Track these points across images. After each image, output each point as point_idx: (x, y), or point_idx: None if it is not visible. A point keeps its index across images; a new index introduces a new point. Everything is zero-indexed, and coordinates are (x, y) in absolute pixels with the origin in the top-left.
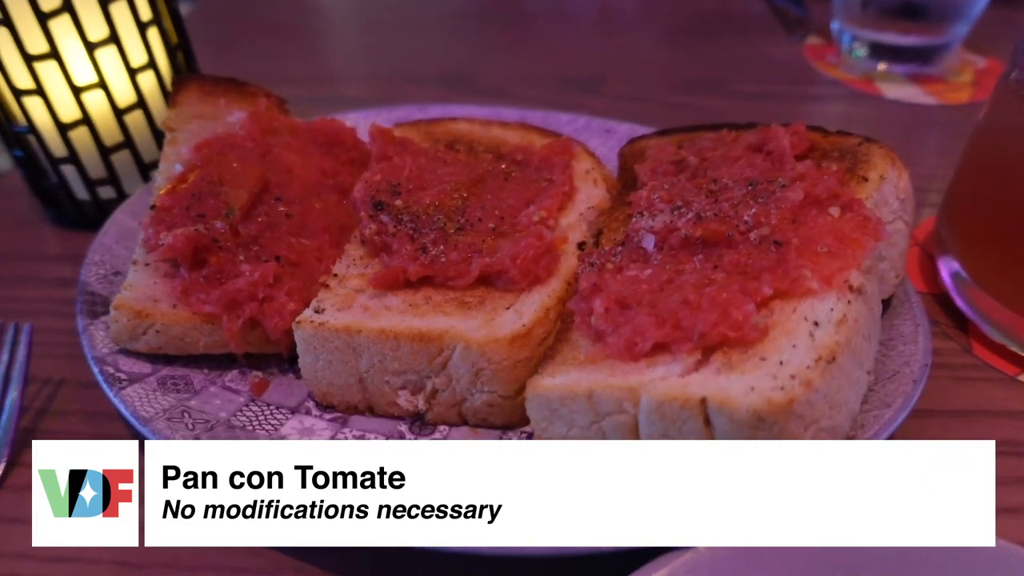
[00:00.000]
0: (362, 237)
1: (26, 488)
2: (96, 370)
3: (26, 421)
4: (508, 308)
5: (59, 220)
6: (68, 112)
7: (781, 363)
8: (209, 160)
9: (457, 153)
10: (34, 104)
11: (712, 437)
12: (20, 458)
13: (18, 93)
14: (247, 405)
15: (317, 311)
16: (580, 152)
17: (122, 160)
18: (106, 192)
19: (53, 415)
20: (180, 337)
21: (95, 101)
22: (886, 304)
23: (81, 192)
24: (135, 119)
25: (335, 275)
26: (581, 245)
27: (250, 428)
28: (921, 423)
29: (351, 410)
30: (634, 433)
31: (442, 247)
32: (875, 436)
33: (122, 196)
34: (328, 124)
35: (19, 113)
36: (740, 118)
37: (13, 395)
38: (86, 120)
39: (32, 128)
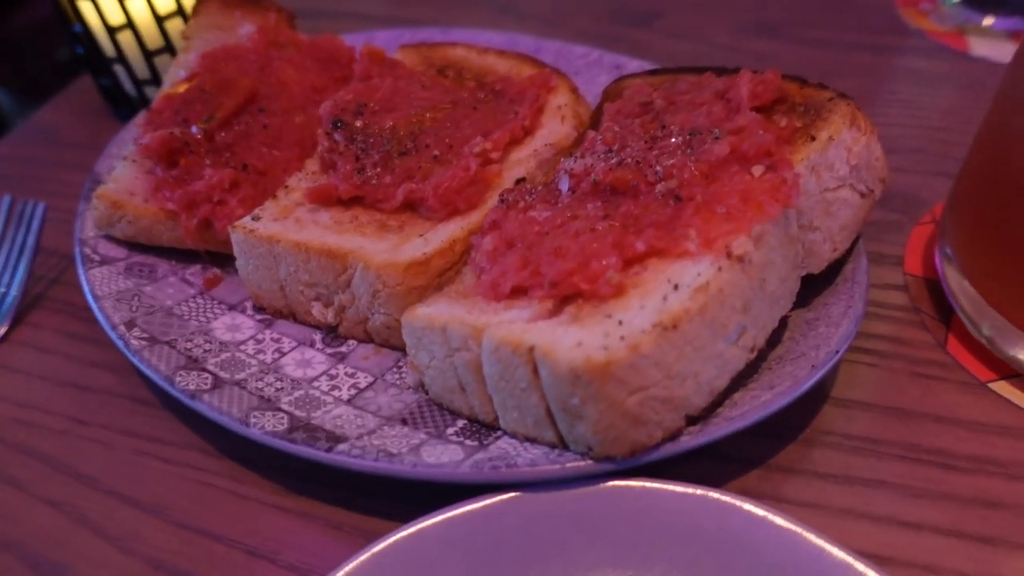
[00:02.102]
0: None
1: (28, 344)
2: (77, 250)
3: (39, 287)
4: (421, 235)
5: (120, 116)
6: (115, 16)
7: (620, 323)
8: (209, 69)
9: (444, 79)
10: (87, 7)
11: (540, 387)
12: (26, 318)
13: None
14: (194, 297)
15: (254, 218)
16: (560, 86)
17: (164, 63)
18: (151, 92)
19: (61, 284)
20: (148, 229)
21: (138, 8)
22: (828, 280)
23: (131, 90)
24: (175, 25)
25: (286, 186)
26: (519, 181)
27: (186, 318)
28: (846, 413)
29: (277, 314)
30: (479, 372)
31: (379, 170)
32: (743, 416)
33: None
34: (328, 41)
35: (73, 15)
36: (790, 67)
37: (23, 266)
38: (130, 24)
39: (86, 29)
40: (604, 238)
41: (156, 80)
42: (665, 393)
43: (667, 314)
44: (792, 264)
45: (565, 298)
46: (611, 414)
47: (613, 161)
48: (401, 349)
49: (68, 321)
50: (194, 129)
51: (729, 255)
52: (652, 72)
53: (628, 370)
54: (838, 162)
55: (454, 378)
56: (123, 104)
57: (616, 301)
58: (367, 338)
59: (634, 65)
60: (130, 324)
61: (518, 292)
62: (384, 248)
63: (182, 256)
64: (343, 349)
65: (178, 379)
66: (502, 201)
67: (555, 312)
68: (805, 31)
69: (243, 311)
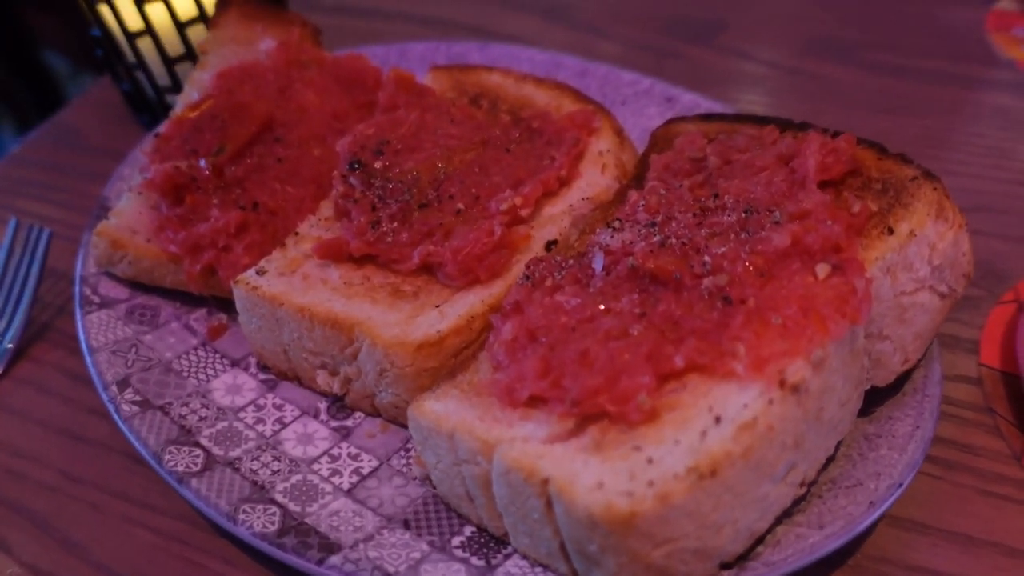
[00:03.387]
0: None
1: (28, 381)
2: (76, 289)
3: (45, 315)
4: (437, 307)
5: (142, 121)
6: (133, 21)
7: (650, 461)
8: (224, 90)
9: (477, 109)
10: (105, 11)
11: (553, 521)
12: (29, 351)
13: (90, 0)
14: (196, 349)
15: (259, 272)
16: (604, 128)
17: (185, 70)
18: (172, 99)
19: (67, 314)
20: (149, 271)
21: (158, 13)
22: (894, 386)
23: (152, 96)
24: (196, 32)
25: (297, 233)
26: (550, 245)
27: (185, 375)
28: (902, 536)
29: (282, 376)
30: (488, 488)
31: (396, 224)
32: (786, 561)
33: None
34: (353, 61)
35: (91, 18)
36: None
37: (24, 301)
38: (149, 30)
39: (105, 33)
40: (638, 348)
41: (177, 87)
42: (697, 544)
43: (705, 456)
44: (855, 382)
45: (587, 417)
46: (633, 567)
47: (655, 240)
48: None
49: (69, 358)
50: (202, 163)
51: (783, 384)
52: (707, 118)
53: (655, 522)
54: (918, 261)
55: (461, 487)
56: (144, 110)
57: (645, 429)
58: (374, 412)
59: (688, 99)
60: (123, 383)
61: (536, 402)
62: (395, 320)
63: (187, 299)
64: (348, 423)
65: (167, 457)
66: (527, 277)
67: (576, 432)
68: (879, 55)
69: (246, 368)
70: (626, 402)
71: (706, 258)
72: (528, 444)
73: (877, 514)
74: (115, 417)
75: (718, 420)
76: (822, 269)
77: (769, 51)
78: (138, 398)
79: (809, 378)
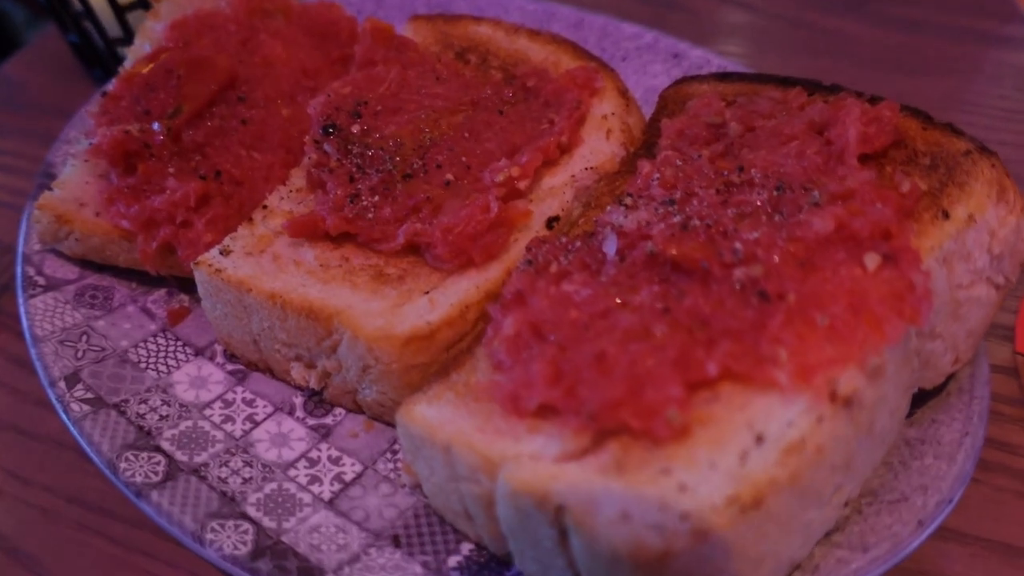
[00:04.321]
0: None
1: None
2: (18, 269)
3: None
4: (426, 293)
5: (94, 76)
6: None
7: (683, 487)
8: (180, 42)
9: (465, 65)
10: None
11: (568, 552)
12: None
13: None
14: (155, 336)
15: (223, 252)
16: (607, 88)
17: (139, 20)
18: (124, 51)
19: (11, 291)
20: (100, 248)
21: None
22: (937, 389)
23: (102, 48)
24: None
25: (265, 206)
26: (552, 222)
27: (142, 366)
28: (940, 546)
29: (252, 366)
30: (490, 508)
31: (377, 198)
32: None
33: None
34: (324, 11)
35: None
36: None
37: None
38: None
39: None
40: (663, 352)
41: (129, 38)
42: None
43: (747, 484)
44: (905, 388)
45: (605, 430)
46: None
47: (675, 220)
48: (395, 426)
49: (14, 342)
50: (156, 126)
51: (833, 397)
52: (723, 77)
53: (691, 561)
54: (977, 250)
55: (459, 503)
56: (95, 63)
57: (673, 446)
58: (356, 408)
59: (696, 55)
60: (73, 378)
61: (546, 412)
62: (378, 309)
63: (144, 278)
64: (328, 420)
65: (123, 465)
66: (529, 262)
67: (593, 449)
68: (892, 8)
69: (212, 358)
70: (652, 417)
71: (737, 244)
72: (538, 463)
73: (926, 534)
74: (64, 418)
75: (760, 440)
76: (872, 260)
77: (773, 2)
78: (89, 395)
79: (863, 390)
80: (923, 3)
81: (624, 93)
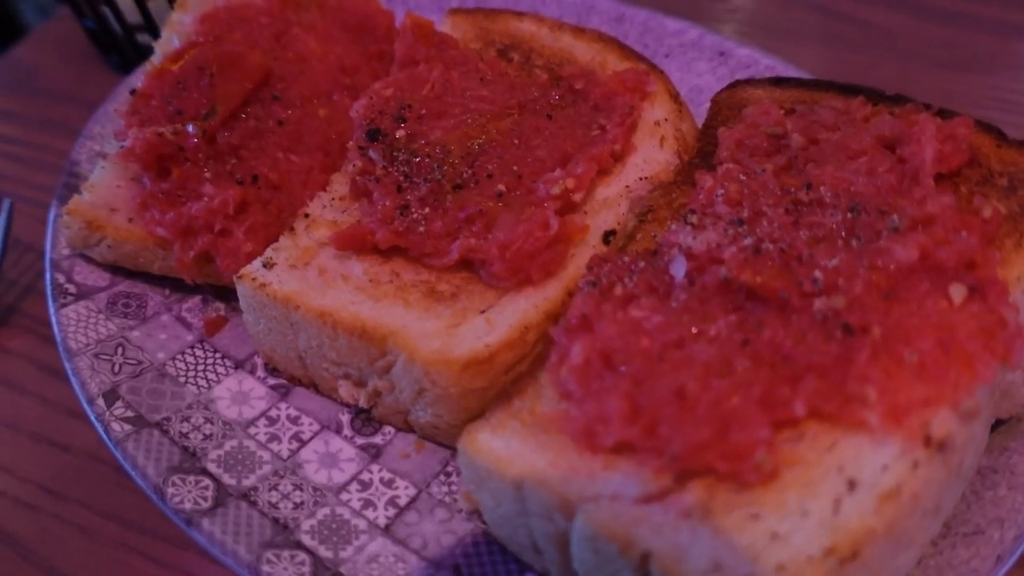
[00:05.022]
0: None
1: None
2: (48, 276)
3: (10, 296)
4: (482, 312)
5: (110, 63)
6: None
7: (775, 536)
8: (211, 37)
9: (508, 64)
10: None
11: None
12: None
13: None
14: (192, 347)
15: (266, 265)
16: (658, 93)
17: (159, 8)
18: (143, 38)
19: (36, 293)
20: (133, 255)
21: None
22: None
23: (121, 35)
24: None
25: (307, 215)
26: (608, 236)
27: (182, 380)
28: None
29: (295, 381)
30: (565, 548)
31: (427, 210)
32: None
33: None
34: (362, 4)
35: None
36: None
37: None
38: None
39: None
40: (747, 389)
41: (150, 25)
42: None
43: (844, 535)
44: (988, 422)
45: (687, 471)
46: None
47: (746, 243)
48: (450, 447)
49: (42, 347)
50: (190, 128)
51: (928, 441)
52: (779, 83)
53: None
54: None
55: (527, 537)
56: (111, 50)
57: (762, 491)
58: (407, 428)
59: (743, 54)
60: (111, 395)
61: (623, 448)
62: (434, 330)
63: (177, 283)
64: (377, 440)
65: (171, 491)
66: (593, 284)
67: (675, 489)
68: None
69: (252, 371)
70: (740, 460)
71: (816, 273)
72: (618, 504)
73: (1004, 569)
74: (105, 439)
75: (852, 485)
76: (958, 292)
77: None
78: (130, 413)
79: (956, 432)
80: None
81: (676, 97)
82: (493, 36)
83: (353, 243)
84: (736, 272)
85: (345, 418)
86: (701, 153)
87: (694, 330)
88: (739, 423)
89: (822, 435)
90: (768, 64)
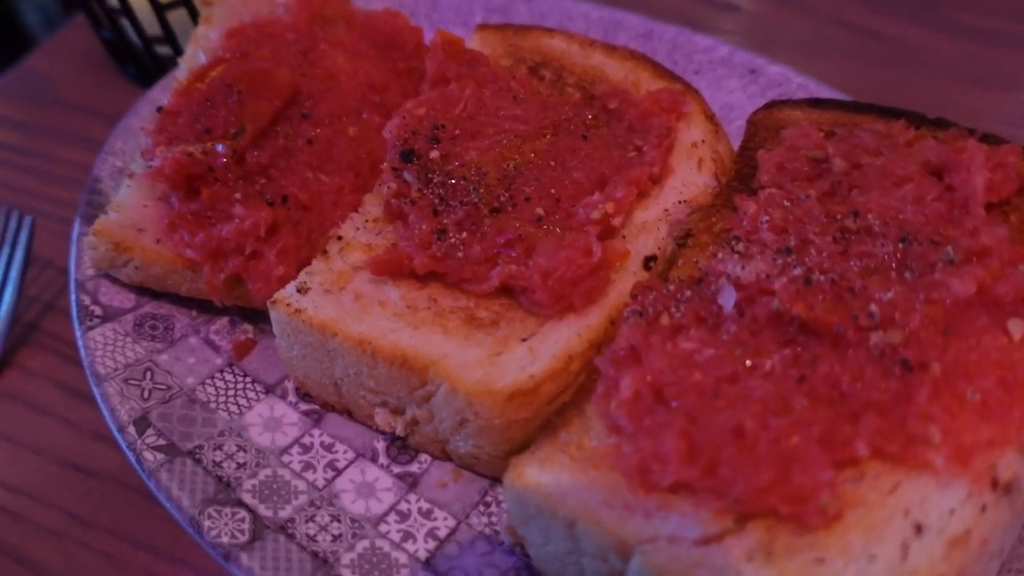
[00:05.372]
0: (382, 194)
1: (17, 397)
2: (73, 297)
3: (31, 313)
4: (523, 340)
5: (127, 73)
6: None
7: None
8: (238, 53)
9: (539, 82)
10: None
11: None
12: (15, 357)
13: None
14: (221, 371)
15: (300, 289)
16: (694, 114)
17: (179, 19)
18: (163, 50)
19: (56, 312)
20: (161, 278)
21: None
22: None
23: (139, 46)
24: None
25: (340, 237)
26: (649, 262)
27: (212, 406)
28: None
29: (329, 407)
30: None
31: (466, 234)
32: None
33: (180, 57)
34: (390, 20)
35: None
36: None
37: (7, 299)
38: None
39: None
40: (808, 428)
41: (169, 37)
42: None
43: None
44: None
45: (747, 513)
46: None
47: (796, 273)
48: (489, 477)
49: (64, 367)
50: (219, 148)
51: (995, 484)
52: (816, 104)
53: None
54: None
55: (577, 575)
56: (129, 61)
57: (824, 534)
58: (444, 456)
59: (775, 72)
60: (142, 422)
61: (680, 488)
62: (475, 359)
63: (204, 304)
64: (414, 468)
65: (207, 524)
66: (640, 313)
67: (736, 531)
68: (960, 14)
69: (283, 396)
70: (803, 503)
71: (872, 307)
72: (677, 546)
73: None
74: (138, 469)
75: (919, 529)
76: (1017, 327)
77: (834, 5)
78: (162, 442)
79: (1022, 474)
80: (993, 11)
81: (712, 118)
82: (523, 53)
83: (390, 268)
84: (788, 304)
85: (380, 445)
86: (739, 175)
87: (748, 364)
88: (801, 464)
89: (884, 475)
90: (800, 82)
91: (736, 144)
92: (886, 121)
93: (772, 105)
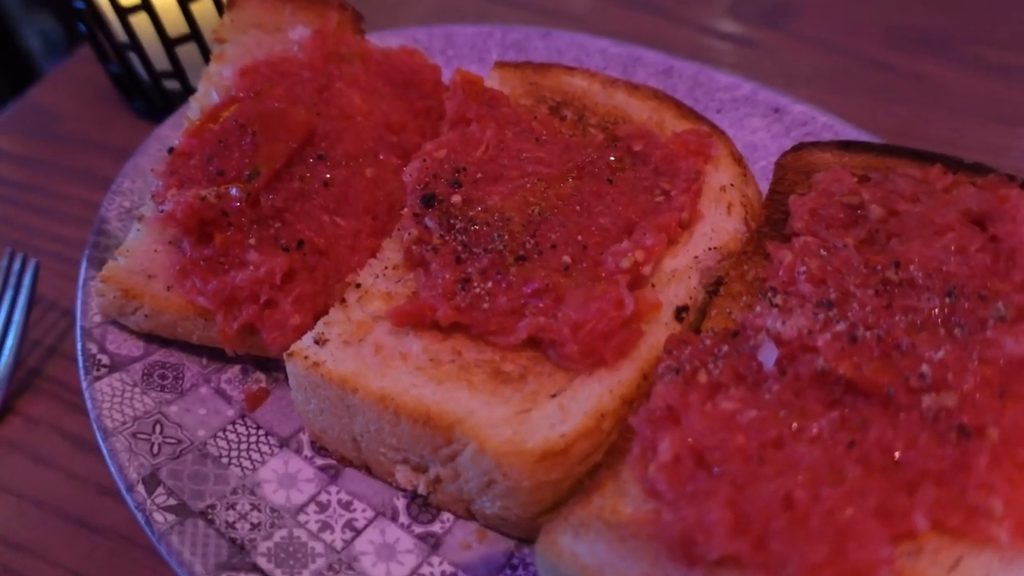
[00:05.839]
0: (403, 240)
1: (20, 446)
2: (79, 346)
3: (34, 357)
4: (553, 396)
5: (134, 108)
6: None
7: None
8: (252, 92)
9: (561, 122)
10: None
11: None
12: (17, 404)
13: None
14: (234, 423)
15: (318, 341)
16: (722, 156)
17: (189, 53)
18: (171, 84)
19: (59, 356)
20: (171, 326)
21: None
22: None
23: (146, 79)
24: (203, 9)
25: (358, 285)
26: (680, 312)
27: (224, 461)
28: None
29: (346, 463)
30: None
31: (491, 284)
32: None
33: (189, 91)
34: (407, 58)
35: None
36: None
37: (9, 343)
38: (146, 5)
39: (91, 7)
40: (863, 499)
41: (178, 72)
42: None
43: None
44: None
45: None
46: None
47: (839, 329)
48: (516, 538)
49: (69, 414)
50: (233, 191)
51: None
52: (847, 147)
53: None
54: None
55: None
56: (136, 95)
57: None
58: (468, 516)
59: (799, 111)
60: (152, 480)
61: (727, 562)
62: (503, 417)
63: (214, 352)
64: (435, 528)
65: None
66: (676, 370)
67: None
68: (978, 49)
69: (298, 450)
70: None
71: (923, 367)
72: None
73: None
74: (148, 532)
75: None
76: None
77: (850, 39)
78: (172, 501)
79: None
80: (1011, 46)
81: (740, 160)
82: (543, 92)
83: (412, 319)
84: (834, 363)
85: (400, 503)
86: (770, 221)
87: (793, 427)
88: (858, 539)
89: (944, 550)
90: (825, 122)
91: (763, 186)
92: (921, 165)
93: (801, 147)
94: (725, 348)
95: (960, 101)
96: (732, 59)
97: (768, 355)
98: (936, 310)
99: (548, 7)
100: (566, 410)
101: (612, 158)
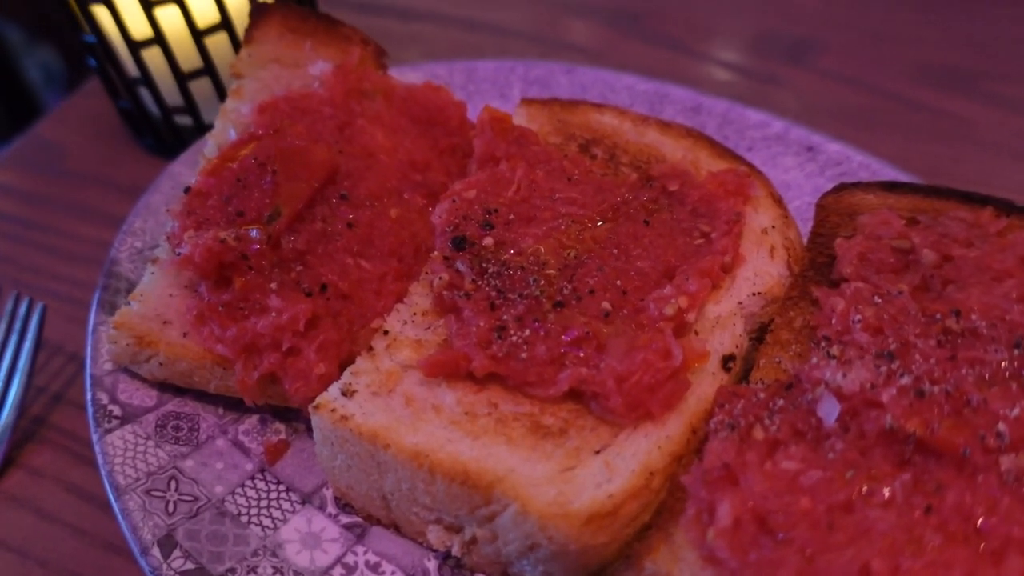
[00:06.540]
0: (432, 285)
1: (23, 500)
2: (89, 396)
3: (39, 405)
4: (597, 452)
5: (144, 144)
6: (139, 28)
7: None
8: (271, 129)
9: (592, 161)
10: (103, 15)
11: None
12: (21, 455)
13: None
14: (252, 478)
15: (345, 392)
16: (761, 197)
17: (201, 88)
18: (183, 120)
19: (65, 404)
20: (187, 374)
21: (170, 19)
22: None
23: (157, 115)
24: (217, 43)
25: (386, 332)
26: (728, 361)
27: (244, 519)
28: None
29: (373, 521)
30: None
31: (528, 332)
32: None
33: (201, 127)
34: (432, 94)
35: (85, 23)
36: (1005, 138)
37: (13, 391)
38: (159, 39)
39: (101, 41)
40: (946, 571)
41: (191, 107)
42: None
43: None
44: None
45: None
46: None
47: (904, 382)
48: None
49: (75, 465)
50: (253, 233)
51: None
52: (891, 188)
53: None
54: None
55: None
56: (146, 131)
57: None
58: None
59: (834, 150)
60: (168, 541)
61: None
62: (545, 475)
63: (231, 401)
64: None
65: None
66: (731, 426)
67: None
68: (1007, 87)
69: (321, 507)
70: None
71: (1000, 425)
72: None
73: None
74: None
75: None
76: None
77: (875, 76)
78: (190, 565)
79: None
80: None
81: (779, 202)
82: (572, 129)
83: (446, 370)
84: (903, 421)
85: (432, 564)
86: (814, 265)
87: (863, 489)
88: None
89: None
90: (862, 161)
91: (800, 227)
92: (971, 207)
93: (842, 188)
94: (781, 402)
95: (989, 139)
96: (755, 96)
97: (829, 410)
98: (1004, 362)
99: (562, 40)
100: (612, 468)
101: (646, 198)
